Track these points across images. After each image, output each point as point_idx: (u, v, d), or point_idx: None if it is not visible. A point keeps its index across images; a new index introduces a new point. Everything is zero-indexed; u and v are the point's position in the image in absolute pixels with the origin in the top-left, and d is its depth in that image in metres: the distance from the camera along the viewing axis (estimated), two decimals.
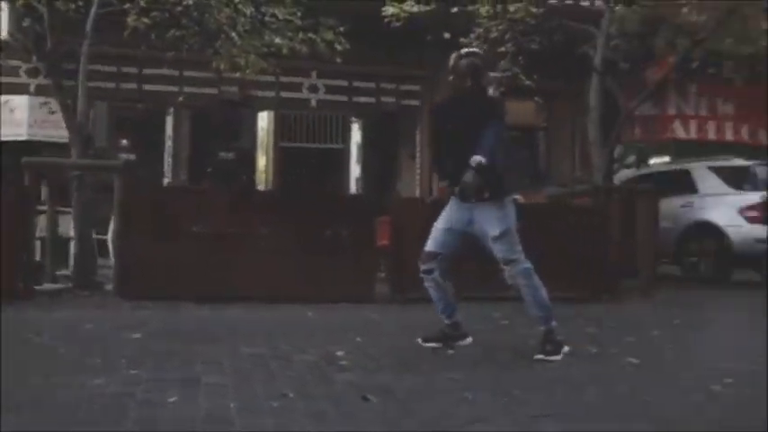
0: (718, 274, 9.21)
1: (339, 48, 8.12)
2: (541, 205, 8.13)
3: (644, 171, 11.77)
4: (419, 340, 4.07)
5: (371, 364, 3.53)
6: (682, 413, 2.77)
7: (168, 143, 11.45)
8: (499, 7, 8.43)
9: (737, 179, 9.56)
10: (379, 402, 2.71)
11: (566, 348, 3.80)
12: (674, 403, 2.93)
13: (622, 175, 11.53)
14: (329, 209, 6.92)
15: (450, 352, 3.92)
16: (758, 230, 8.96)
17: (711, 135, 15.94)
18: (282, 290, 5.98)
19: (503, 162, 3.71)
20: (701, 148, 14.01)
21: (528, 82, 8.68)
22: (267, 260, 6.17)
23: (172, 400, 2.66)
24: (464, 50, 4.11)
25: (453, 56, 4.00)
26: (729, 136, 15.91)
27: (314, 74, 11.65)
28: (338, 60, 8.31)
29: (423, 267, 4.00)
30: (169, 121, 11.47)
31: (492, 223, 3.77)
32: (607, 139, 8.47)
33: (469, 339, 4.10)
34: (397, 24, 8.41)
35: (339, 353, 3.74)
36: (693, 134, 15.86)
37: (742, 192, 9.32)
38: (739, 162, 9.83)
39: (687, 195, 9.72)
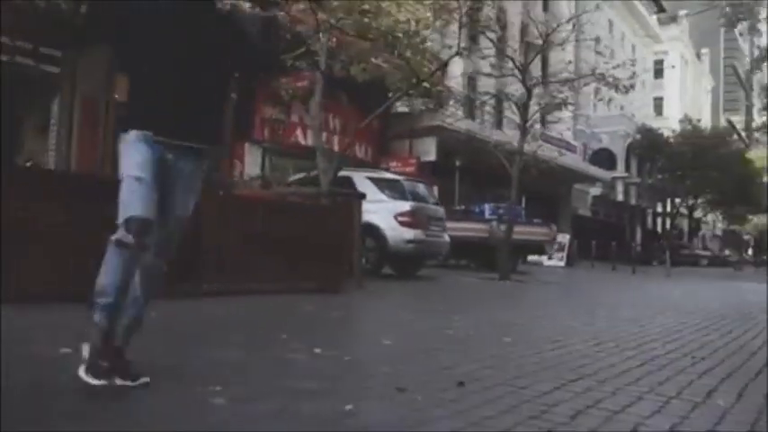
0: (376, 269, 10.91)
1: None
2: (271, 202, 8.41)
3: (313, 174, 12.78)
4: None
5: None
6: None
7: None
8: None
9: (389, 188, 11.44)
10: None
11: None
12: None
13: (294, 178, 12.45)
14: None
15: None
16: (408, 233, 10.97)
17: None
18: None
19: None
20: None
21: None
22: None
23: None
24: None
25: None
26: (335, 146, 18.51)
27: None
28: None
29: (127, 239, 2.58)
30: None
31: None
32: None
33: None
34: None
35: None
36: (310, 141, 17.93)
37: (395, 200, 11.22)
38: (390, 175, 11.76)
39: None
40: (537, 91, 13.46)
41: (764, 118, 35.06)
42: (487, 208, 17.41)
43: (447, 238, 12.29)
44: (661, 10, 52.32)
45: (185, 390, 2.66)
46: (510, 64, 12.89)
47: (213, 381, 2.75)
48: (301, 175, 12.53)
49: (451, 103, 20.20)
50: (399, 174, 14.52)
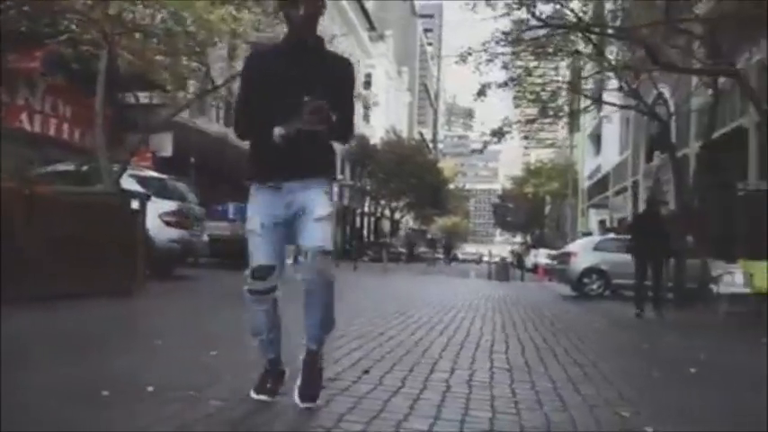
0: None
1: None
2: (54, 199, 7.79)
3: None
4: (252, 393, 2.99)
5: None
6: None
7: None
8: None
9: (153, 187, 11.22)
10: None
11: None
12: None
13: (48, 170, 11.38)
14: None
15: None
16: (173, 233, 10.93)
17: (52, 132, 16.81)
18: None
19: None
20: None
21: None
22: None
23: None
24: None
25: None
26: (65, 136, 17.18)
27: None
28: None
29: (258, 287, 2.91)
30: None
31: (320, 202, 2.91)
32: None
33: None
34: None
35: None
36: (37, 128, 16.41)
37: (162, 199, 11.06)
38: (156, 174, 11.53)
39: None
40: None
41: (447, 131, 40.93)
42: (231, 207, 17.72)
43: (206, 238, 12.48)
44: (372, 28, 57.10)
45: None
46: None
47: None
48: (61, 167, 11.51)
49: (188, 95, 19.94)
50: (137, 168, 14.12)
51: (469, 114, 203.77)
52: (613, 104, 17.02)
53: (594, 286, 15.06)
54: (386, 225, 51.98)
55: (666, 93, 15.75)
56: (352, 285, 13.41)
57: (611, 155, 32.42)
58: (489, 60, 13.82)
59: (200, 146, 21.72)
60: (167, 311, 6.88)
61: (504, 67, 14.04)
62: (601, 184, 34.50)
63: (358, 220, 47.85)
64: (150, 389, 3.02)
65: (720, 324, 9.05)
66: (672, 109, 15.25)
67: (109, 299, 6.71)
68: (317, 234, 2.83)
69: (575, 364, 4.58)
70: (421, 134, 76.68)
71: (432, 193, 44.15)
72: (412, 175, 42.21)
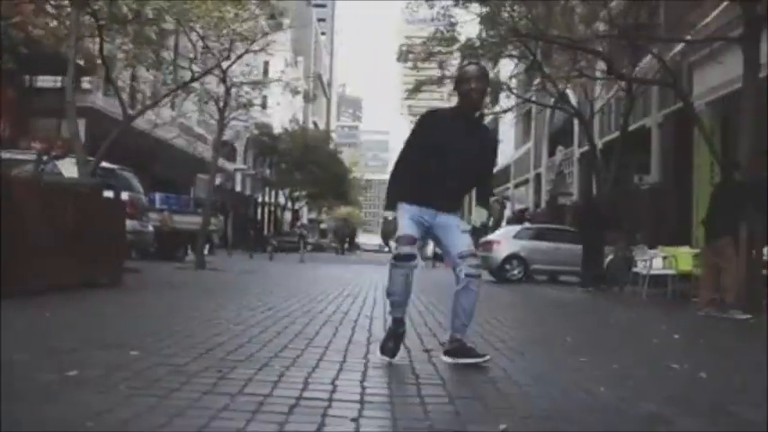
0: None
1: None
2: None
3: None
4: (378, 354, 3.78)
5: None
6: None
7: None
8: None
9: (103, 177, 10.95)
10: None
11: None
12: None
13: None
14: None
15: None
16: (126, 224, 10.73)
17: None
18: None
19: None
20: None
21: None
22: None
23: None
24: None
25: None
26: None
27: None
28: None
29: (404, 251, 3.70)
30: None
31: (459, 222, 3.88)
32: None
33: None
34: None
35: None
36: None
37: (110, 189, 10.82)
38: (105, 164, 11.22)
39: None
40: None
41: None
42: (158, 197, 17.39)
43: (152, 228, 12.32)
44: (272, 17, 56.38)
45: None
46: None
47: None
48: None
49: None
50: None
51: (359, 105, 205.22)
52: (540, 104, 18.24)
53: (515, 272, 16.14)
54: (287, 216, 51.80)
55: (592, 95, 17.09)
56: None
57: (507, 149, 34.18)
58: (425, 59, 14.48)
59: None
60: (167, 302, 6.93)
61: (440, 65, 14.77)
62: (502, 176, 36.25)
63: (260, 210, 47.44)
64: None
65: (645, 300, 10.25)
66: (595, 109, 16.63)
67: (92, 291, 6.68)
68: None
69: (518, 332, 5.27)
70: (315, 124, 76.64)
71: (335, 183, 44.56)
72: (316, 165, 42.39)
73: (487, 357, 3.74)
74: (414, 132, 3.97)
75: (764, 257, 8.87)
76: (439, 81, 15.15)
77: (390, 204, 3.80)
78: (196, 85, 13.50)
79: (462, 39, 14.07)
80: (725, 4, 12.38)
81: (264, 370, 3.34)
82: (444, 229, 3.81)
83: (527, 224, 19.41)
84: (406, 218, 3.75)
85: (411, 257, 3.73)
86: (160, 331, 4.43)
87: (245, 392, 2.83)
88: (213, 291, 8.44)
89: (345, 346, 4.34)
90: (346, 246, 48.86)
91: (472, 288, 3.73)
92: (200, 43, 12.95)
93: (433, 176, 3.76)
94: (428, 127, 3.89)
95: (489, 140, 4.13)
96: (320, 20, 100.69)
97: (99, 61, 13.71)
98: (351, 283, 11.39)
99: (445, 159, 3.74)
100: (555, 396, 3.07)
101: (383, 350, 3.77)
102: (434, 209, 3.78)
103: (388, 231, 3.77)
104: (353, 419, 2.49)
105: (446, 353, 3.78)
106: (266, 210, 49.96)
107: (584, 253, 11.07)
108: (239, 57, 13.61)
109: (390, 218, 3.76)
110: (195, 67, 12.98)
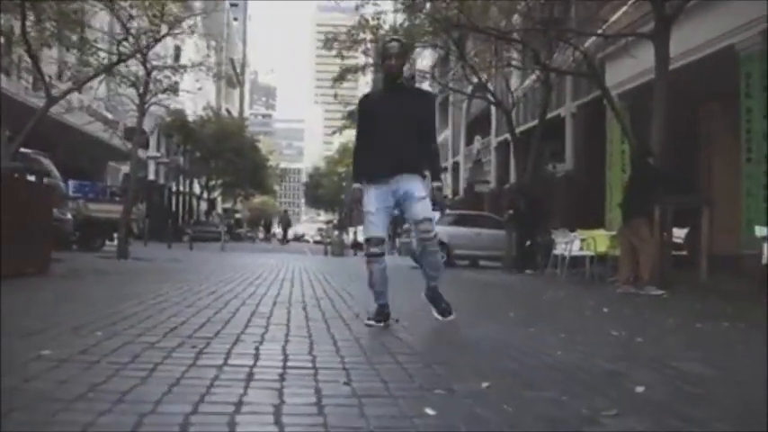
0: None
1: None
2: None
3: None
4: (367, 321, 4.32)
5: None
6: None
7: None
8: None
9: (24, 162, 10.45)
10: None
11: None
12: None
13: None
14: None
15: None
16: None
17: None
18: None
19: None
20: None
21: None
22: None
23: None
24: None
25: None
26: None
27: None
28: None
29: (374, 251, 4.37)
30: None
31: (418, 188, 4.33)
32: None
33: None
34: None
35: None
36: None
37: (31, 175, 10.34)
38: (23, 149, 10.69)
39: None
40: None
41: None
42: (71, 184, 16.66)
43: (70, 217, 11.87)
44: None
45: None
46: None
47: None
48: None
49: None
50: None
51: (272, 93, 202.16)
52: (460, 92, 18.69)
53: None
54: (202, 205, 50.61)
55: (512, 85, 17.69)
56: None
57: None
58: (350, 47, 14.56)
59: (13, 116, 19.78)
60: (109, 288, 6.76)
61: (365, 52, 14.88)
62: None
63: (174, 199, 46.07)
64: None
65: (565, 281, 10.83)
66: (514, 99, 17.22)
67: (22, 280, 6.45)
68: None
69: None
70: (228, 111, 75.04)
71: (252, 172, 43.87)
72: (233, 152, 41.59)
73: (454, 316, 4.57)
74: (358, 116, 4.66)
75: (674, 239, 9.58)
76: (363, 69, 15.32)
77: (356, 177, 4.56)
78: (121, 67, 13.04)
79: (387, 27, 14.24)
80: (632, 1, 13.17)
81: (239, 344, 3.41)
82: (406, 199, 4.34)
83: (447, 210, 19.89)
84: (374, 208, 4.35)
85: (381, 255, 4.45)
86: (114, 314, 4.37)
87: (229, 364, 2.90)
88: (148, 278, 8.27)
89: (305, 323, 4.44)
90: (290, 237, 48.15)
91: (430, 249, 4.41)
92: (132, 24, 12.47)
93: (379, 143, 4.36)
94: (365, 106, 4.60)
95: (420, 98, 4.65)
96: (233, 5, 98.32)
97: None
98: (281, 269, 11.40)
99: (385, 125, 4.34)
100: (519, 358, 3.31)
101: (377, 321, 4.33)
102: (391, 173, 4.33)
103: (355, 199, 4.53)
104: (346, 383, 2.61)
105: (440, 314, 4.57)
106: (181, 199, 48.61)
107: (517, 237, 11.63)
108: (160, 38, 13.22)
109: (356, 187, 4.50)
110: (122, 49, 12.50)
